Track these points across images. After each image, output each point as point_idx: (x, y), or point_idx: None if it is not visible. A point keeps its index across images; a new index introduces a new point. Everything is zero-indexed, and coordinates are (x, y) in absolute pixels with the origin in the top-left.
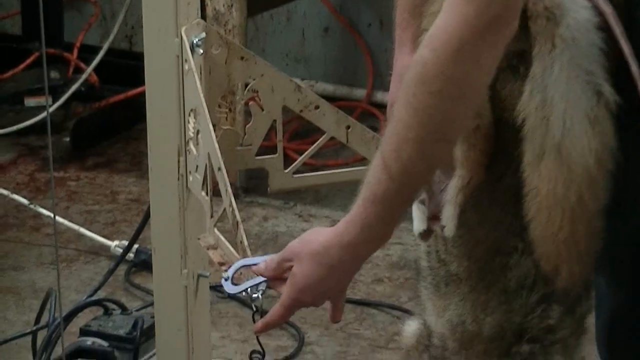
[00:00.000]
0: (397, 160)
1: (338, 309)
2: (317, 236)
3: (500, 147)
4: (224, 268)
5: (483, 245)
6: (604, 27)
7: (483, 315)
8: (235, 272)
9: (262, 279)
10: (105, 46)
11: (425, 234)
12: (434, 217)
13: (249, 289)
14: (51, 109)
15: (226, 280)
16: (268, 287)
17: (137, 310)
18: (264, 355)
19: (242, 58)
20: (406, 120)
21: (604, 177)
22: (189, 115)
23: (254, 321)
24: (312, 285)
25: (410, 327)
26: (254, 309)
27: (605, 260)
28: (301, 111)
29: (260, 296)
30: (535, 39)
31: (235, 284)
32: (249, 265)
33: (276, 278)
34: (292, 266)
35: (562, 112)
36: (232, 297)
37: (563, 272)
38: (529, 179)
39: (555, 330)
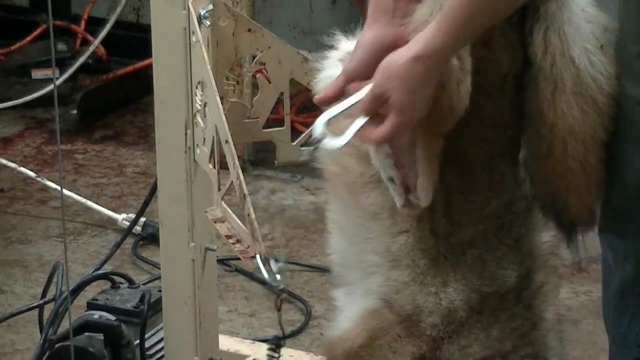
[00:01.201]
0: None
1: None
2: (397, 59)
3: (506, 102)
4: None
5: (495, 203)
6: None
7: (501, 271)
8: (325, 127)
9: (363, 121)
10: (113, 18)
11: (407, 208)
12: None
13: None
14: (58, 82)
15: (322, 137)
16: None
17: (145, 284)
18: (284, 338)
19: (249, 30)
20: None
21: (613, 106)
22: (196, 87)
23: (276, 308)
24: (418, 103)
25: (341, 329)
26: (279, 295)
27: (612, 232)
28: (309, 83)
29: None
30: None
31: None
32: (334, 116)
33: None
34: (387, 98)
35: (580, 45)
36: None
37: (572, 206)
38: (544, 116)
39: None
